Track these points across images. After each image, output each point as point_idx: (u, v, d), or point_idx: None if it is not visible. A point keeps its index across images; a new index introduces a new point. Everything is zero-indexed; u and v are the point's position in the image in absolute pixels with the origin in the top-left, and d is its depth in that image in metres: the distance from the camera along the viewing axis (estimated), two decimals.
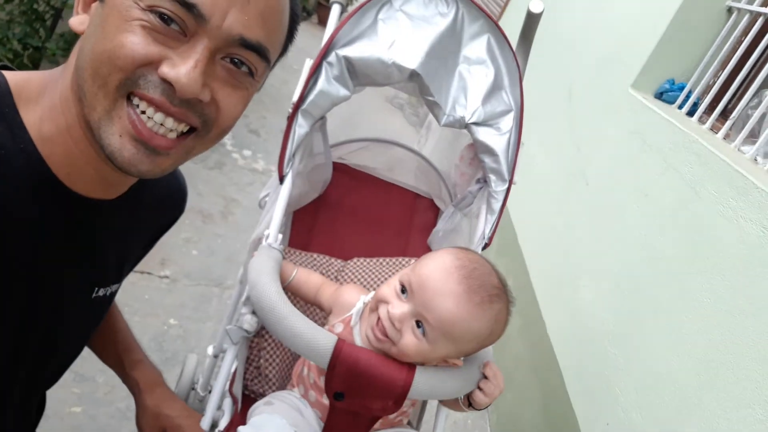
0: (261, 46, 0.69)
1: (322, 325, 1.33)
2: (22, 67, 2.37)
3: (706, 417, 1.38)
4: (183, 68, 0.63)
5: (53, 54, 2.42)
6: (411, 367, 0.96)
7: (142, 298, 2.21)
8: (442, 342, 0.96)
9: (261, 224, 1.28)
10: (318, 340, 0.95)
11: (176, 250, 2.53)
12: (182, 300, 2.30)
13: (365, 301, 1.10)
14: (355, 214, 1.58)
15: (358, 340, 1.05)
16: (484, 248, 1.36)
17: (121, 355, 1.10)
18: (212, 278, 2.49)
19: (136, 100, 0.65)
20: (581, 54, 2.99)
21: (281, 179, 1.28)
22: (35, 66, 2.49)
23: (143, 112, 0.66)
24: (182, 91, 0.64)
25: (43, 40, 2.44)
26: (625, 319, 1.81)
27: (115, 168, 0.68)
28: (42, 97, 0.71)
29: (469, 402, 1.04)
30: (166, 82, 0.64)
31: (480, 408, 1.04)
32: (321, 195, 1.55)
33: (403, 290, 0.99)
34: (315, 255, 1.44)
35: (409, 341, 0.96)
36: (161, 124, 0.67)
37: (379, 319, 0.99)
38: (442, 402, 1.12)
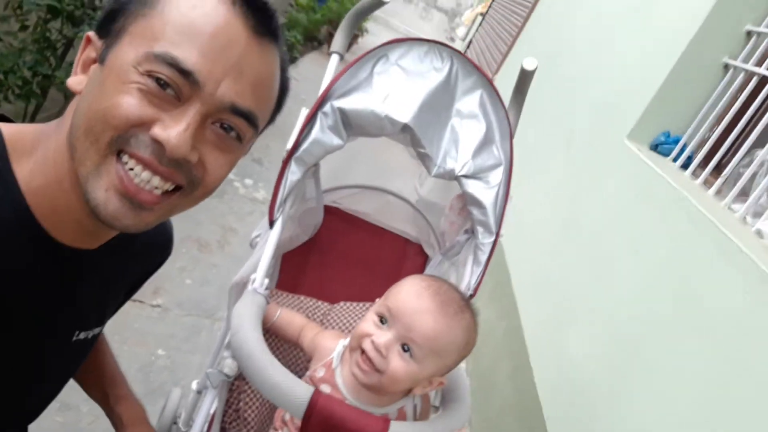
0: (251, 114, 0.73)
1: (305, 370, 1.35)
2: (31, 94, 2.42)
3: None
4: (174, 130, 0.67)
5: (62, 82, 2.47)
6: (386, 420, 0.97)
7: (132, 327, 2.21)
8: (430, 359, 1.02)
9: (248, 266, 1.30)
10: (294, 391, 0.96)
11: (170, 278, 2.55)
12: (172, 330, 2.30)
13: (344, 345, 1.13)
14: (345, 257, 1.60)
15: (341, 382, 1.08)
16: (469, 299, 1.37)
17: (106, 390, 1.12)
18: (204, 309, 2.50)
19: (125, 158, 0.68)
20: (579, 103, 3.04)
21: (271, 224, 1.30)
22: (44, 93, 2.55)
23: (131, 170, 0.68)
24: (172, 151, 0.67)
25: (53, 68, 2.50)
26: (613, 374, 1.81)
27: (94, 219, 0.70)
28: (35, 150, 0.74)
29: None
30: (157, 142, 0.67)
31: None
32: (313, 237, 1.58)
33: (382, 320, 1.05)
34: (302, 297, 1.45)
35: (398, 366, 1.00)
36: (148, 181, 0.69)
37: (363, 352, 1.03)
38: None
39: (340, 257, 1.60)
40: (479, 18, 9.91)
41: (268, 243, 1.28)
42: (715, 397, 1.38)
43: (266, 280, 1.23)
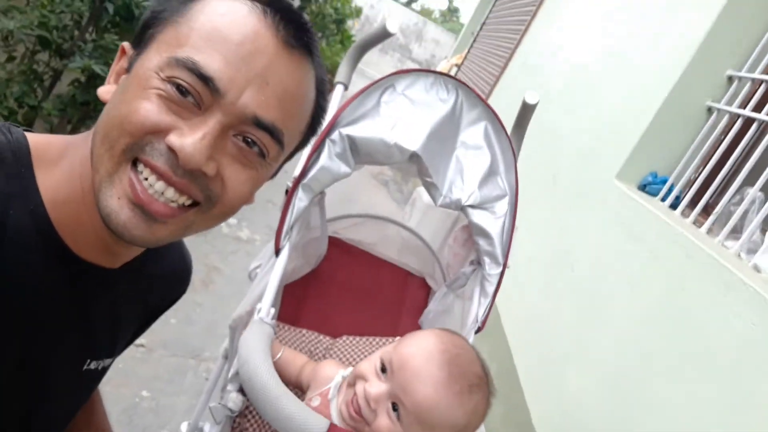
0: (275, 128, 0.69)
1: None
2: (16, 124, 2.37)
3: None
4: (190, 138, 0.63)
5: (49, 114, 2.43)
6: None
7: (116, 367, 2.08)
8: (416, 429, 0.92)
9: (252, 296, 1.26)
10: (309, 424, 0.91)
11: None
12: (157, 371, 2.21)
13: (344, 375, 1.08)
14: (346, 289, 1.56)
15: (335, 414, 1.02)
16: (477, 332, 1.35)
17: None
18: (189, 349, 2.41)
19: (140, 167, 0.65)
20: (567, 142, 3.09)
21: (277, 252, 1.27)
22: (29, 124, 2.50)
23: (145, 179, 0.65)
24: (185, 160, 0.63)
25: (39, 100, 2.46)
26: (614, 411, 1.78)
27: (110, 232, 0.66)
28: (62, 160, 0.71)
29: None
30: (172, 152, 0.63)
31: None
32: (313, 268, 1.54)
33: (383, 369, 0.97)
34: (304, 331, 1.41)
35: (383, 424, 0.92)
36: (162, 193, 0.65)
37: (355, 395, 0.96)
38: None
39: (340, 289, 1.56)
40: (455, 69, 10.16)
41: (275, 271, 1.24)
42: (724, 427, 1.36)
43: (272, 310, 1.19)
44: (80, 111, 2.67)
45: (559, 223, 2.77)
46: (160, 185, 0.65)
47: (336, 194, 1.50)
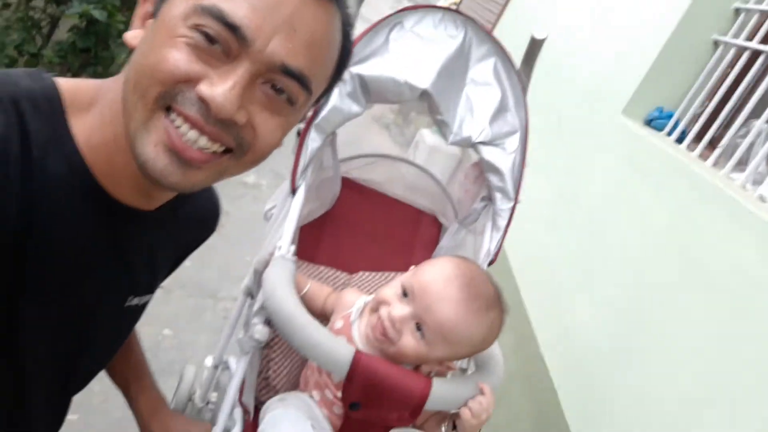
0: (303, 75, 0.69)
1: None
2: None
3: None
4: (220, 88, 0.63)
5: (50, 61, 2.41)
6: (428, 378, 0.98)
7: None
8: (439, 345, 1.00)
9: (272, 236, 1.29)
10: (337, 350, 0.96)
11: None
12: (176, 311, 2.30)
13: (366, 301, 1.14)
14: (360, 228, 1.60)
15: (357, 336, 1.08)
16: (489, 264, 1.39)
17: (129, 380, 1.11)
18: (206, 290, 2.50)
19: (173, 115, 0.66)
20: (573, 80, 3.07)
21: (294, 191, 1.30)
22: None
23: (178, 128, 0.66)
24: (217, 110, 0.64)
25: (39, 48, 2.44)
26: (620, 338, 1.85)
27: (146, 178, 0.68)
28: (93, 106, 0.72)
29: (454, 425, 1.05)
30: (203, 101, 0.64)
31: None
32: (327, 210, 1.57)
33: (405, 294, 1.03)
34: (322, 267, 1.45)
35: (408, 342, 1.00)
36: (195, 141, 0.67)
37: (379, 319, 1.03)
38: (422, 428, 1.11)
39: (353, 228, 1.60)
40: (453, 7, 9.93)
41: (292, 210, 1.27)
42: (725, 357, 1.43)
43: (293, 247, 1.23)
44: (80, 58, 2.64)
45: (565, 161, 2.79)
46: (192, 134, 0.66)
47: (346, 136, 1.52)
